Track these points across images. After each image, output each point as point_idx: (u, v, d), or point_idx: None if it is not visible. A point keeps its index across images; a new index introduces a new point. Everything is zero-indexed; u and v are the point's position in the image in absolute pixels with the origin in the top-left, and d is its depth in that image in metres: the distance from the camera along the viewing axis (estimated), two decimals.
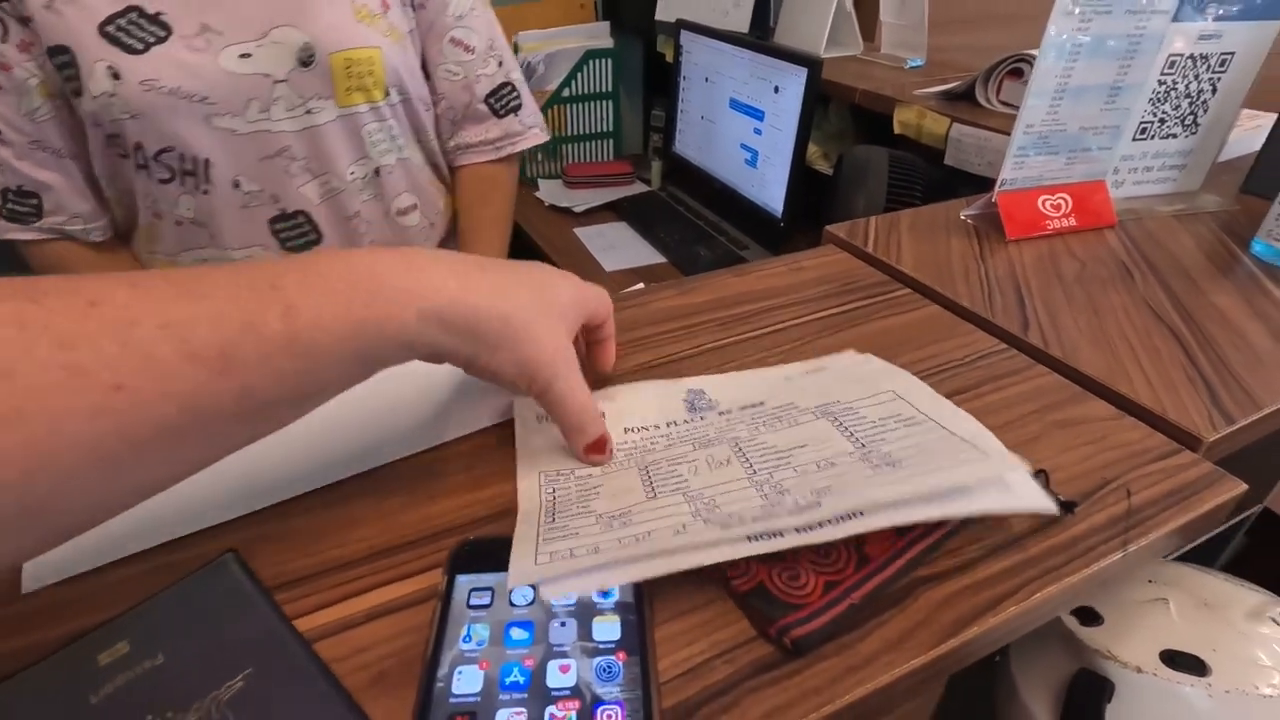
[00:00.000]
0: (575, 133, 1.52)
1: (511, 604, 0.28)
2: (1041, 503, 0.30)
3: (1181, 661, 0.48)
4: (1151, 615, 0.52)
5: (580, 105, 1.49)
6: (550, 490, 0.33)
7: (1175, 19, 0.56)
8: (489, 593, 0.28)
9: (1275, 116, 0.66)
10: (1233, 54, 0.61)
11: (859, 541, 0.29)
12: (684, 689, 0.26)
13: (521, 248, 1.37)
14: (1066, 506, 0.32)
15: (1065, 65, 0.54)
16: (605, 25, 1.47)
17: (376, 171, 0.72)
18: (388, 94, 0.70)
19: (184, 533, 0.32)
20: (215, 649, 0.26)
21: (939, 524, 0.30)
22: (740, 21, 1.31)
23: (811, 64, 1.05)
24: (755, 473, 0.32)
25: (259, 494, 0.34)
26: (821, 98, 1.16)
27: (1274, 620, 0.51)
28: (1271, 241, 0.56)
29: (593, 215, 1.39)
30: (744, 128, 1.22)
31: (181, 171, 0.64)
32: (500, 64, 0.82)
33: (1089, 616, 0.54)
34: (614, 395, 0.40)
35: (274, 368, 0.25)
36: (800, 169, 1.11)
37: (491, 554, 0.30)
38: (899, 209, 0.68)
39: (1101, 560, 0.30)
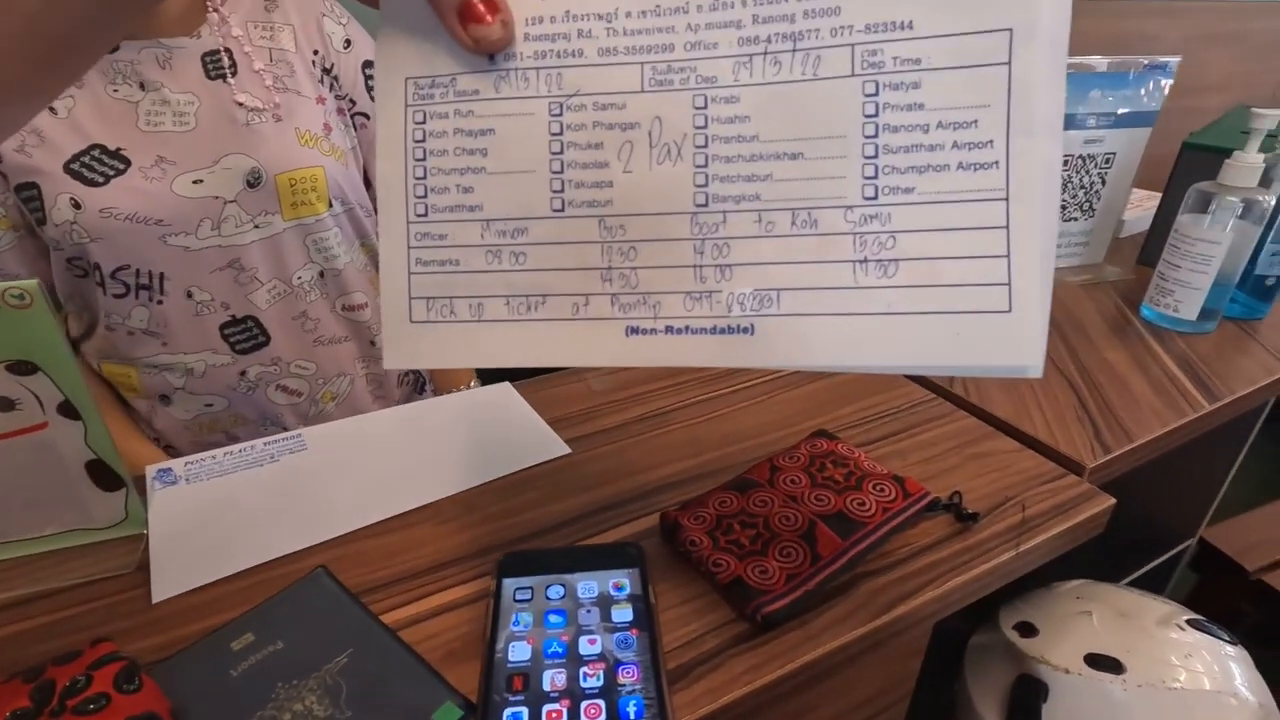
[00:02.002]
0: None
1: (547, 598, 0.36)
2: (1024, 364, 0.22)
3: (1102, 663, 0.57)
4: (1078, 625, 0.60)
5: None
6: (420, 124, 0.25)
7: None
8: (530, 590, 0.36)
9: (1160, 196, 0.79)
10: (1114, 153, 0.74)
11: (813, 543, 0.38)
12: (683, 655, 0.34)
13: None
14: (972, 517, 0.41)
15: None
16: None
17: (322, 274, 0.77)
18: (331, 205, 0.76)
19: (278, 554, 0.40)
20: (322, 636, 0.34)
21: (882, 524, 0.39)
22: None
23: None
24: (706, 202, 0.23)
25: (337, 522, 0.42)
26: None
27: (1179, 626, 0.60)
28: (1155, 306, 0.67)
29: None
30: None
31: (137, 286, 0.69)
32: None
33: (1027, 629, 0.62)
34: None
35: None
36: None
37: (529, 562, 0.38)
38: None
39: (998, 558, 0.40)
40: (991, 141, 0.21)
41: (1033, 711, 0.57)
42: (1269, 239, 0.65)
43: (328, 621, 0.35)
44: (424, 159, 0.24)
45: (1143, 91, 0.71)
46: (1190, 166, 0.71)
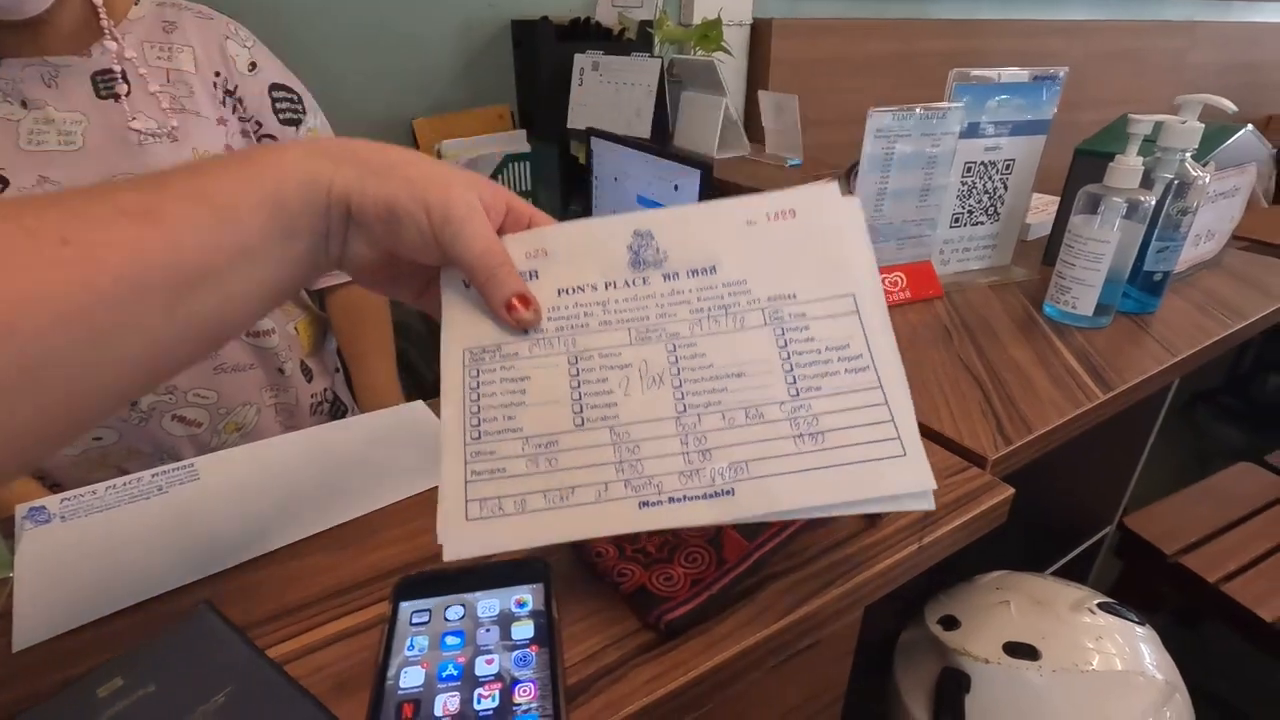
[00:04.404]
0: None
1: (446, 619, 0.35)
2: (922, 502, 0.31)
3: (1020, 650, 0.58)
4: (997, 615, 0.62)
5: None
6: (474, 376, 0.33)
7: (963, 137, 0.72)
8: (428, 612, 0.35)
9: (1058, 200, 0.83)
10: (1014, 159, 0.78)
11: (719, 547, 0.38)
12: (585, 669, 0.33)
13: None
14: (876, 514, 0.42)
15: (881, 175, 0.69)
16: (522, 133, 1.62)
17: None
18: None
19: (160, 591, 0.38)
20: (199, 675, 0.32)
21: (788, 525, 0.39)
22: (643, 129, 1.48)
23: (704, 165, 1.20)
24: (684, 410, 0.32)
25: (228, 554, 0.40)
26: (717, 192, 1.31)
27: (1091, 610, 0.62)
28: (1055, 304, 0.70)
29: None
30: None
31: None
32: None
33: (950, 623, 0.63)
34: (548, 240, 0.35)
35: (191, 216, 0.27)
36: None
37: (429, 584, 0.37)
38: None
39: (902, 552, 0.40)
40: (861, 354, 0.33)
41: (955, 703, 0.58)
42: (1154, 237, 0.68)
43: (206, 660, 0.33)
44: (478, 400, 0.33)
45: (1036, 101, 0.75)
46: (1082, 171, 0.75)
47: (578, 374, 0.33)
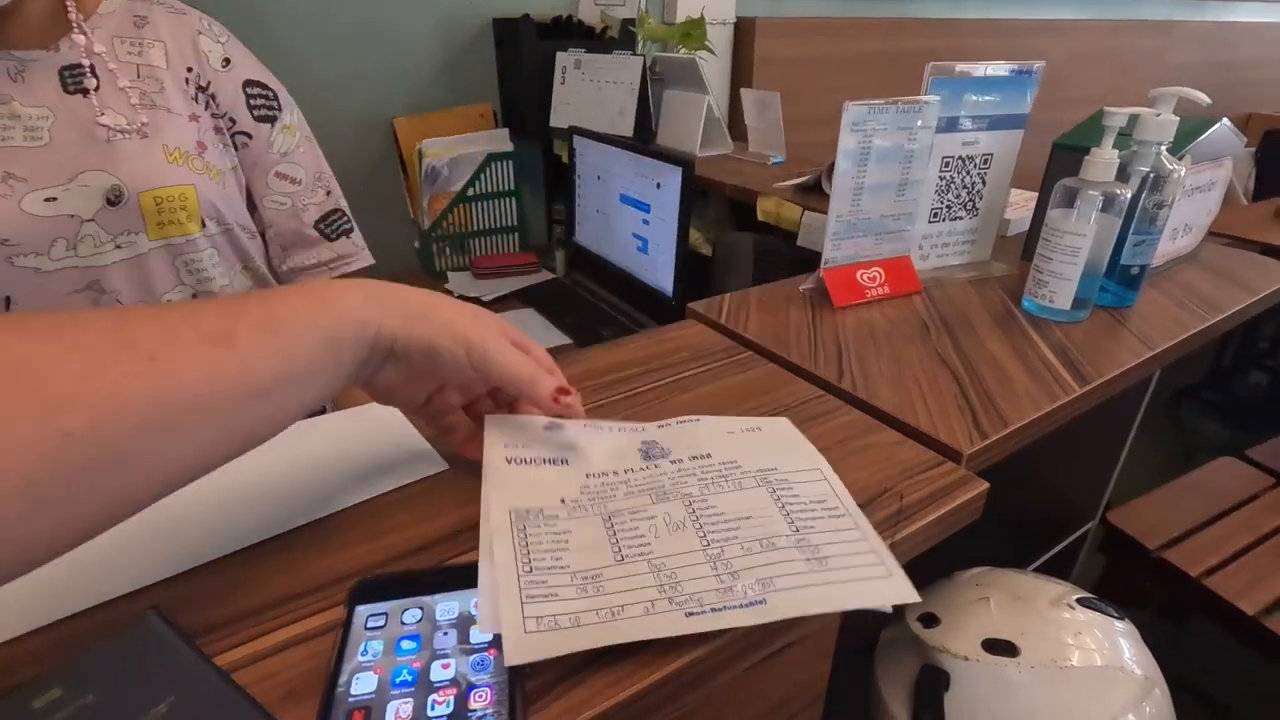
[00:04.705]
0: (481, 228, 1.62)
1: (402, 623, 0.34)
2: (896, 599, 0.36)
3: (999, 647, 0.58)
4: (976, 612, 0.61)
5: (485, 203, 1.60)
6: (522, 531, 0.37)
7: (940, 131, 0.72)
8: (384, 616, 0.34)
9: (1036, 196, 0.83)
10: (991, 154, 0.77)
11: None
12: (546, 672, 0.32)
13: None
14: None
15: (858, 169, 0.68)
16: (505, 132, 1.61)
17: (195, 297, 0.75)
18: (204, 225, 0.73)
19: (105, 598, 0.36)
20: (141, 684, 0.31)
21: None
22: (625, 127, 1.47)
23: (685, 163, 1.20)
24: (709, 545, 0.37)
25: (180, 559, 0.38)
26: (700, 191, 1.31)
27: (1070, 605, 0.61)
28: (1033, 298, 0.70)
29: (502, 303, 1.47)
30: (634, 219, 1.35)
31: None
32: (328, 193, 0.87)
33: (930, 620, 0.63)
34: (574, 442, 0.44)
35: (262, 344, 0.32)
36: (685, 254, 1.24)
37: (387, 586, 0.36)
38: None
39: None
40: (837, 506, 0.41)
41: (934, 702, 0.57)
42: (1130, 230, 0.68)
43: (149, 669, 0.32)
44: (526, 544, 0.37)
45: (1013, 95, 0.75)
46: (1060, 166, 0.75)
47: (612, 527, 0.38)
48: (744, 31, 1.77)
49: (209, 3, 0.79)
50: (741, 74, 1.80)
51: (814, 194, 1.12)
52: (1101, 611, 0.62)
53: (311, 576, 0.38)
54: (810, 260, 0.74)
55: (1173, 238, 0.79)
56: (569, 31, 1.54)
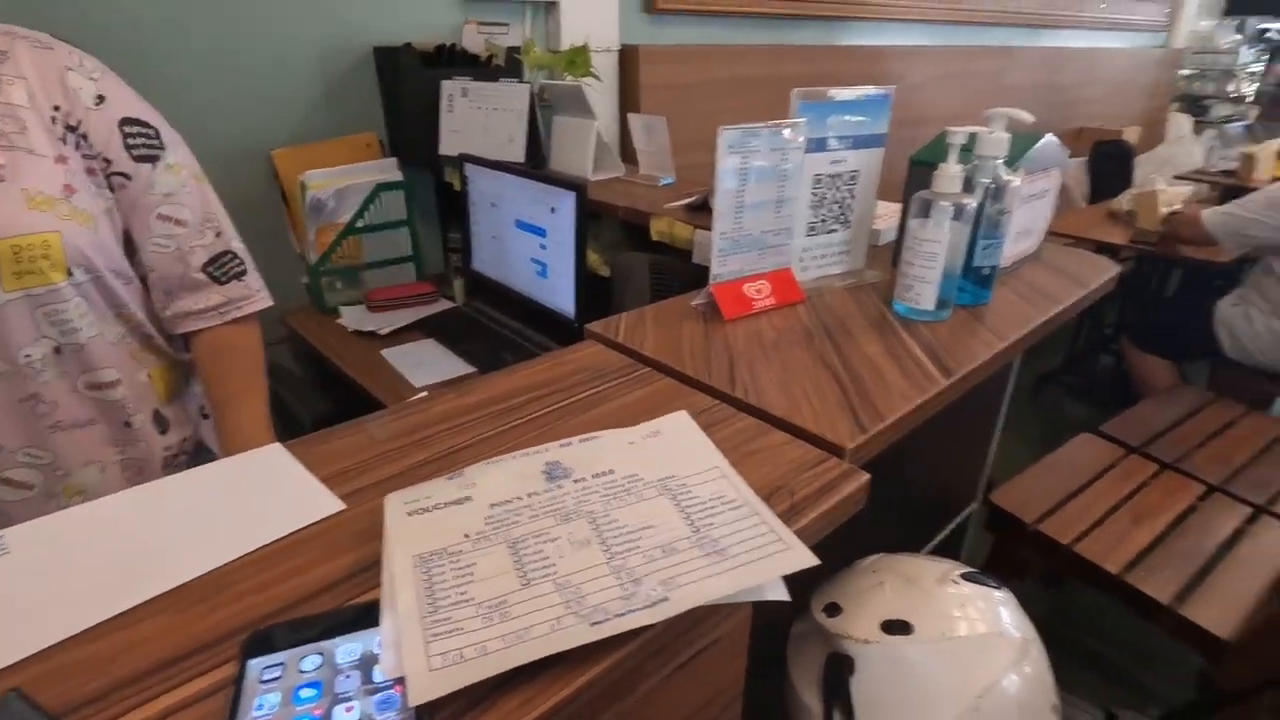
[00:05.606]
0: (374, 260, 1.57)
1: (300, 671, 0.33)
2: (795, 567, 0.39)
3: (895, 627, 0.62)
4: (874, 597, 0.65)
5: (376, 234, 1.56)
6: (425, 574, 0.37)
7: (810, 151, 0.77)
8: (280, 666, 0.33)
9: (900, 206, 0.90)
10: (858, 171, 0.84)
11: None
12: (454, 701, 0.32)
13: (327, 376, 1.38)
14: None
15: (738, 189, 0.72)
16: (393, 161, 1.58)
17: (58, 350, 0.70)
18: (71, 274, 0.69)
19: None
20: None
21: None
22: (516, 153, 1.48)
23: (578, 188, 1.22)
24: (612, 556, 0.39)
25: (44, 633, 0.35)
26: (594, 214, 1.33)
27: (954, 581, 0.67)
28: (902, 301, 0.76)
29: (400, 335, 1.43)
30: (531, 244, 1.36)
31: None
32: (218, 234, 0.82)
33: (834, 609, 0.66)
34: (477, 479, 0.45)
35: None
36: (583, 276, 1.25)
37: (282, 635, 0.34)
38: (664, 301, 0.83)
39: None
40: (735, 499, 0.44)
41: (841, 687, 0.61)
42: (979, 235, 0.76)
43: None
44: (430, 586, 0.37)
45: (871, 116, 0.81)
46: (916, 179, 0.82)
47: (518, 552, 0.39)
48: (629, 58, 1.82)
49: (79, 34, 0.74)
50: (629, 99, 1.85)
51: (703, 212, 1.17)
52: (982, 584, 0.67)
53: (198, 635, 0.36)
54: (705, 275, 0.77)
55: (1017, 240, 0.88)
56: (453, 59, 1.54)
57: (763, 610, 0.46)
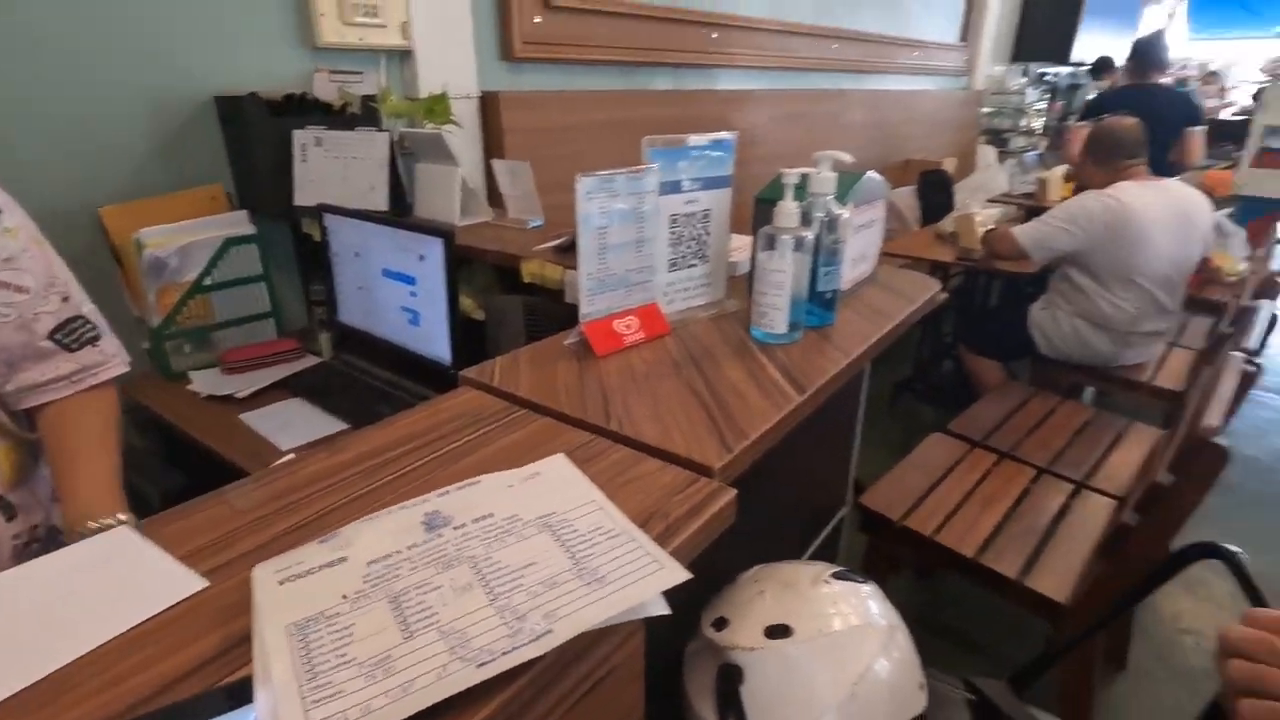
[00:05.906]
0: (228, 319, 1.47)
1: None
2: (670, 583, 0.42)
3: (776, 631, 0.66)
4: (756, 605, 0.70)
5: (228, 291, 1.46)
6: (301, 640, 0.36)
7: (665, 193, 0.83)
8: None
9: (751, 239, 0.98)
10: (710, 209, 0.90)
11: None
12: None
13: (177, 447, 1.27)
14: None
15: (599, 231, 0.76)
16: (243, 214, 1.49)
17: None
18: None
19: None
20: None
21: None
22: (379, 202, 1.45)
23: (446, 234, 1.21)
24: (495, 598, 0.39)
25: None
26: (465, 259, 1.33)
27: (826, 581, 0.72)
28: (759, 327, 0.83)
29: (261, 397, 1.34)
30: (400, 292, 1.33)
31: None
32: (66, 299, 0.79)
33: (721, 623, 0.70)
34: (352, 539, 0.44)
35: None
36: (457, 321, 1.24)
37: None
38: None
39: None
40: (613, 529, 0.46)
41: (732, 696, 0.64)
42: (819, 263, 0.84)
43: None
44: (307, 654, 0.36)
45: (717, 160, 0.88)
46: (762, 215, 0.89)
47: (399, 606, 0.39)
48: (490, 105, 1.85)
49: None
50: (493, 144, 1.87)
51: (573, 253, 1.20)
52: (851, 580, 0.74)
53: None
54: (578, 314, 0.79)
55: (854, 265, 0.98)
56: (304, 108, 1.50)
57: (656, 635, 0.49)
